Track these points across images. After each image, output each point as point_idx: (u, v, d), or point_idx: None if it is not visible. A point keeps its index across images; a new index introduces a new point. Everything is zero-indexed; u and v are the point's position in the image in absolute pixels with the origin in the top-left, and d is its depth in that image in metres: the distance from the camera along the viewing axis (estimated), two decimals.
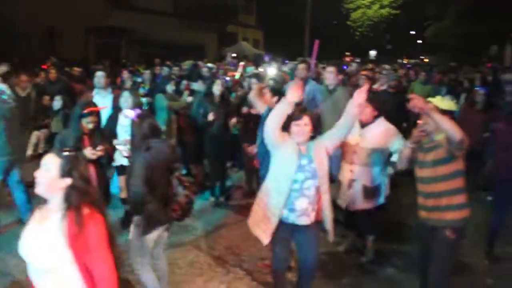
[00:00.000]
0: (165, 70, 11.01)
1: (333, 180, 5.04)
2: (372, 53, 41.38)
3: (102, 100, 6.34)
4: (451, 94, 8.61)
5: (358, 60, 25.69)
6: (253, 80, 7.25)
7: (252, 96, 5.15)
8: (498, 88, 8.90)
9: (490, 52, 35.44)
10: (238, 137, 6.94)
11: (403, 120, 7.44)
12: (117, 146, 4.76)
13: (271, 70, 10.28)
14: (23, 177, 5.47)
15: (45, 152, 3.77)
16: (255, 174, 6.34)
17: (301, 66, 6.40)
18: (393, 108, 6.37)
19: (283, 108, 3.49)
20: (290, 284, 4.18)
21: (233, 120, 6.57)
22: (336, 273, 4.72)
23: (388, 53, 41.04)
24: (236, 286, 4.43)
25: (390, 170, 4.75)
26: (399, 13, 37.95)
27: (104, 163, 4.53)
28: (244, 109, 6.64)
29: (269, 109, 4.62)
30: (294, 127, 3.58)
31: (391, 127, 4.59)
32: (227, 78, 9.80)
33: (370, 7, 39.25)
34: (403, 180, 5.56)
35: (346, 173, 4.76)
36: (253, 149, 5.74)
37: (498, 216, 4.96)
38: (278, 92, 5.03)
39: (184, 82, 8.54)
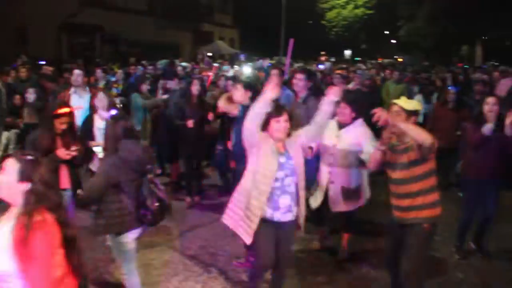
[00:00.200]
0: (139, 70, 10.91)
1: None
2: (347, 52, 41.86)
3: (79, 99, 6.25)
4: (423, 93, 8.81)
5: (333, 59, 25.96)
6: (230, 82, 7.24)
7: (222, 104, 5.12)
8: (469, 87, 9.12)
9: (461, 52, 36.27)
10: (214, 136, 6.93)
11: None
12: (94, 148, 4.70)
13: (246, 69, 10.29)
14: None
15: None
16: (231, 174, 6.33)
17: (274, 72, 6.28)
18: (367, 107, 6.45)
19: (261, 107, 3.46)
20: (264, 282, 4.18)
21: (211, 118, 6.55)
22: (311, 271, 4.75)
23: (363, 52, 41.59)
24: (212, 286, 4.42)
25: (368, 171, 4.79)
26: (373, 13, 38.44)
27: (77, 164, 4.46)
28: (220, 109, 6.63)
29: (244, 107, 4.63)
30: (275, 124, 3.55)
31: (368, 129, 4.61)
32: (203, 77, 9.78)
33: (345, 7, 39.64)
34: (377, 180, 5.66)
35: (324, 175, 4.78)
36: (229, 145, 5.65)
37: (467, 213, 5.08)
38: (251, 87, 5.02)
39: (162, 81, 8.47)
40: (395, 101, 3.72)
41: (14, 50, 16.19)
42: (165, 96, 7.03)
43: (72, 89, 6.48)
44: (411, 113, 3.59)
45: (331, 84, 8.96)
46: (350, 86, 9.59)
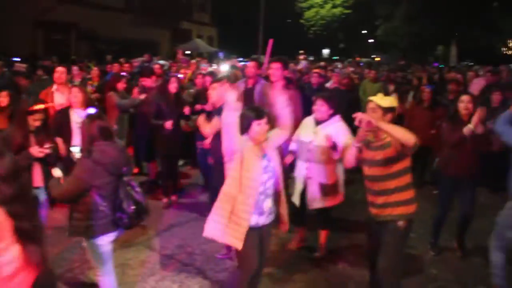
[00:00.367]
0: (116, 67, 10.78)
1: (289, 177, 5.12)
2: (326, 51, 42.17)
3: (61, 96, 6.13)
4: (399, 92, 8.92)
5: (311, 58, 26.10)
6: (208, 78, 7.22)
7: (202, 125, 5.11)
8: (443, 86, 9.27)
9: (436, 52, 36.89)
10: (192, 135, 6.90)
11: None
12: (71, 149, 4.61)
13: (224, 67, 10.27)
14: None
15: None
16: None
17: (251, 64, 6.27)
18: (345, 105, 6.52)
19: (232, 115, 3.45)
20: None
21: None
22: (288, 269, 4.76)
23: (342, 51, 41.97)
24: (189, 285, 4.39)
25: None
26: (351, 13, 38.78)
27: (51, 162, 4.38)
28: (198, 106, 6.61)
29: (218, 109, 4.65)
30: (256, 126, 3.50)
31: (345, 126, 4.64)
32: (180, 76, 9.71)
33: (323, 6, 39.91)
34: (354, 177, 5.72)
35: (301, 171, 4.82)
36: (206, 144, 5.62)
37: (441, 210, 5.16)
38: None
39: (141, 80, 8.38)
40: (371, 98, 3.73)
41: None
42: (142, 96, 6.95)
43: (55, 87, 6.35)
44: (387, 110, 3.61)
45: (309, 83, 9.07)
46: (328, 84, 9.67)
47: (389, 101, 3.72)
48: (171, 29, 31.08)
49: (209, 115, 5.20)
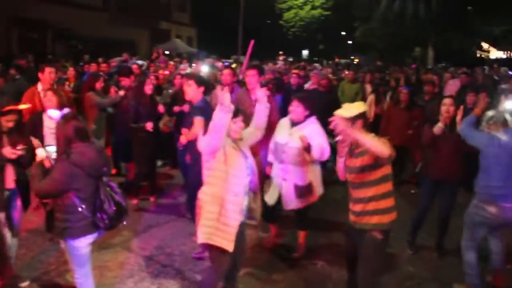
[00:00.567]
0: (93, 67, 10.64)
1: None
2: (305, 52, 42.36)
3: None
4: (377, 93, 9.02)
5: (291, 59, 26.22)
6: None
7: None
8: (419, 87, 9.42)
9: (414, 53, 37.43)
10: (171, 135, 6.85)
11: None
12: (46, 148, 4.53)
13: (204, 67, 10.23)
14: None
15: None
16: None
17: (227, 72, 6.22)
18: (323, 107, 6.55)
19: (226, 118, 3.34)
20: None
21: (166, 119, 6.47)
22: (266, 269, 4.76)
23: (321, 53, 42.24)
24: (168, 286, 4.36)
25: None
26: (330, 14, 39.04)
27: (24, 164, 4.29)
28: (176, 108, 6.57)
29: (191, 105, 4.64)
30: (232, 125, 3.52)
31: (320, 127, 4.64)
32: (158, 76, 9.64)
33: (302, 8, 40.08)
34: (333, 177, 5.76)
35: (277, 172, 4.82)
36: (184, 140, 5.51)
37: (421, 210, 5.24)
38: (204, 82, 4.98)
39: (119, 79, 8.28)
40: (337, 111, 3.52)
41: None
42: (122, 92, 6.86)
43: (39, 86, 6.20)
44: (355, 118, 3.48)
45: (288, 83, 9.10)
46: (307, 85, 9.71)
47: (355, 108, 3.57)
48: (149, 29, 30.79)
49: (188, 116, 5.16)
